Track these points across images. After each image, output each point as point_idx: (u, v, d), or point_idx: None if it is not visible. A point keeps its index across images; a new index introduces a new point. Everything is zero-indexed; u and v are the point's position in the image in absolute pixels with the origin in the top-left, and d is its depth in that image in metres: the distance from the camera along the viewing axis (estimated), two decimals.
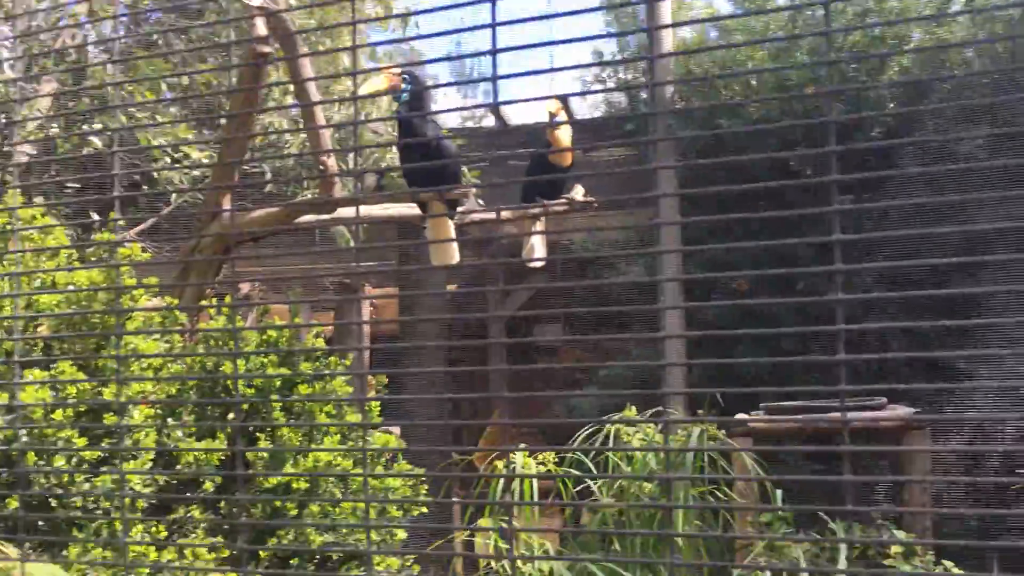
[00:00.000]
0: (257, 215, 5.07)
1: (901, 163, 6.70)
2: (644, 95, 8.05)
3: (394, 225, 6.68)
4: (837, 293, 1.10)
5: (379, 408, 4.31)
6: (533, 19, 1.40)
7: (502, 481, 4.63)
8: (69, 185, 6.98)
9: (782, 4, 7.02)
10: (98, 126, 6.30)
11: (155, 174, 6.75)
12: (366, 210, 5.18)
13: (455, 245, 5.07)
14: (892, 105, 6.70)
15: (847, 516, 4.44)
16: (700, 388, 6.68)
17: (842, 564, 4.15)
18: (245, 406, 3.69)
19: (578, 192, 5.65)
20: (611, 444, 4.71)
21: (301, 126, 5.74)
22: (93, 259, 4.12)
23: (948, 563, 4.55)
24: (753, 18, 7.17)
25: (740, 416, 5.28)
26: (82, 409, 3.27)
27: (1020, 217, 5.46)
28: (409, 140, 4.56)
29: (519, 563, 4.13)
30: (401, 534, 3.94)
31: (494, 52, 1.31)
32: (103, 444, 3.18)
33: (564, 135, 5.21)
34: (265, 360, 3.77)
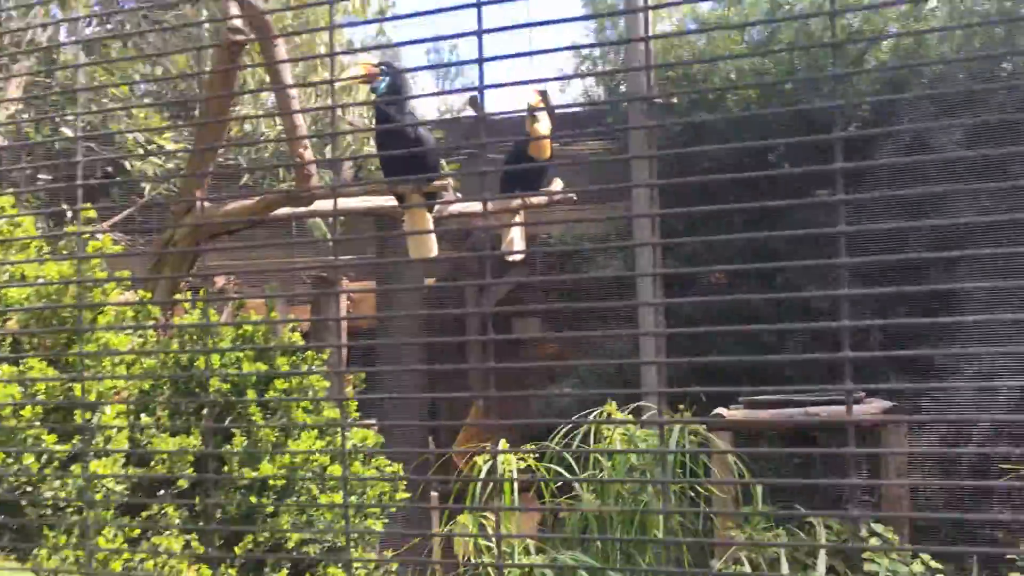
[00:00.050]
0: (232, 207, 4.99)
1: (877, 156, 6.71)
2: (623, 88, 8.02)
3: (371, 218, 6.62)
4: (844, 288, 1.06)
5: (356, 404, 4.26)
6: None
7: (482, 477, 4.59)
8: (40, 176, 6.86)
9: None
10: (70, 118, 6.19)
11: (128, 165, 6.64)
12: (343, 202, 5.12)
13: (433, 238, 5.02)
14: (875, 94, 6.70)
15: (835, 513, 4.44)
16: (679, 383, 6.68)
17: (822, 561, 4.15)
18: (220, 400, 3.63)
19: (557, 185, 5.61)
20: (592, 439, 4.69)
21: (277, 117, 5.67)
22: (65, 252, 4.04)
23: (925, 556, 4.57)
24: (732, 12, 7.16)
25: (719, 410, 5.28)
26: (52, 406, 3.20)
27: (998, 210, 5.48)
28: (386, 125, 4.51)
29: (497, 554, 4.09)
30: (379, 527, 3.90)
31: (479, 33, 1.27)
32: (74, 442, 3.11)
33: (543, 127, 5.17)
34: (241, 356, 3.71)
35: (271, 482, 3.47)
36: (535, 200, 5.59)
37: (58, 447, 3.00)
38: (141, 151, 6.37)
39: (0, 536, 2.99)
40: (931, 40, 6.75)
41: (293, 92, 4.49)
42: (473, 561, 4.36)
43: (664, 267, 7.00)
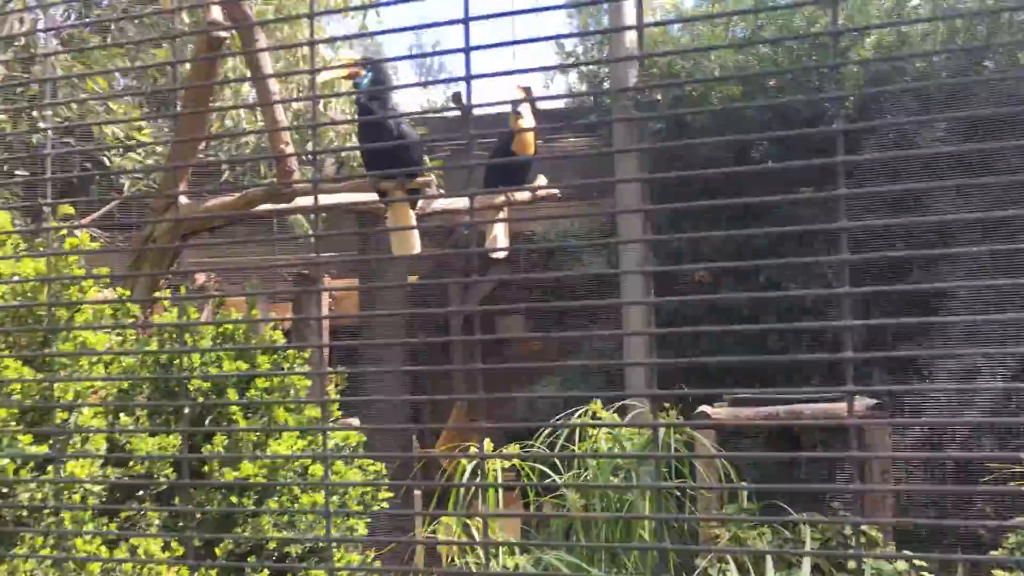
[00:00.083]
0: (213, 203, 4.93)
1: (860, 152, 6.71)
2: (607, 85, 8.00)
3: (354, 215, 6.56)
4: (845, 286, 1.03)
5: (338, 404, 4.21)
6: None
7: (466, 475, 4.56)
8: (18, 172, 6.77)
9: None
10: (48, 113, 6.11)
11: (107, 160, 6.56)
12: (325, 198, 5.07)
13: (416, 234, 4.98)
14: (861, 89, 6.71)
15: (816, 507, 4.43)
16: (664, 380, 6.66)
17: (807, 559, 4.13)
18: (200, 398, 3.57)
19: (540, 182, 5.59)
20: (576, 436, 4.67)
21: (258, 112, 5.60)
22: (42, 248, 3.97)
23: (909, 552, 4.57)
24: (717, 7, 7.14)
25: (704, 408, 5.27)
26: (28, 404, 3.14)
27: (982, 207, 5.49)
28: (367, 117, 4.47)
29: (482, 556, 4.06)
30: (361, 529, 3.85)
31: (466, 21, 1.23)
32: (50, 442, 3.05)
33: (527, 123, 5.14)
34: (222, 355, 3.65)
35: (252, 481, 3.42)
36: (519, 196, 5.56)
37: (33, 449, 2.94)
38: (120, 146, 6.30)
39: None
40: (914, 38, 6.76)
41: (274, 87, 4.43)
42: (457, 561, 4.32)
43: (648, 265, 6.98)
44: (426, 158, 6.98)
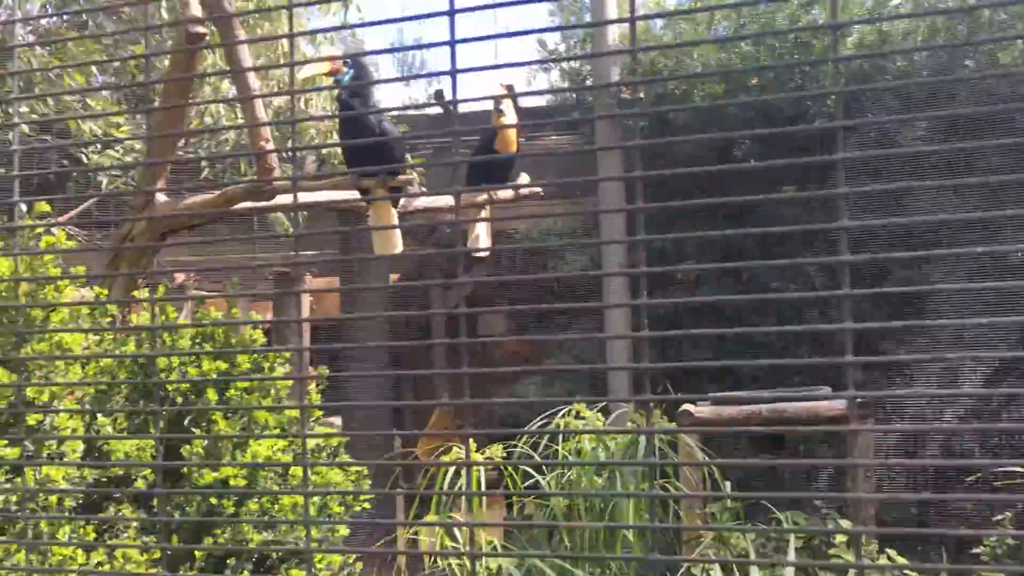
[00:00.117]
0: (192, 201, 4.87)
1: (837, 151, 6.70)
2: (589, 81, 7.98)
3: (335, 213, 6.51)
4: (846, 287, 1.01)
5: (319, 402, 4.16)
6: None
7: (449, 475, 4.52)
8: None
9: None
10: (24, 109, 6.03)
11: (84, 157, 6.48)
12: (307, 195, 5.02)
13: (398, 233, 4.95)
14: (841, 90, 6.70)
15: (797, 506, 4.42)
16: (651, 380, 6.62)
17: (791, 555, 4.12)
18: (179, 399, 3.52)
19: (523, 180, 5.56)
20: (560, 435, 4.64)
21: (238, 109, 5.54)
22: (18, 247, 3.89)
23: (891, 552, 4.58)
24: (699, 3, 7.12)
25: (686, 407, 5.25)
26: (2, 406, 3.08)
27: (967, 208, 5.50)
28: (348, 112, 4.43)
29: (467, 560, 4.03)
30: (343, 530, 3.81)
31: (452, 13, 1.20)
32: (25, 443, 3.00)
33: (509, 121, 5.11)
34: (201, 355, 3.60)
35: (232, 483, 3.38)
36: (501, 194, 5.53)
37: (7, 451, 2.88)
38: (97, 141, 6.22)
39: None
40: (896, 36, 6.77)
41: (255, 83, 4.38)
42: (439, 563, 4.29)
43: (632, 266, 6.96)
44: (408, 156, 6.94)
